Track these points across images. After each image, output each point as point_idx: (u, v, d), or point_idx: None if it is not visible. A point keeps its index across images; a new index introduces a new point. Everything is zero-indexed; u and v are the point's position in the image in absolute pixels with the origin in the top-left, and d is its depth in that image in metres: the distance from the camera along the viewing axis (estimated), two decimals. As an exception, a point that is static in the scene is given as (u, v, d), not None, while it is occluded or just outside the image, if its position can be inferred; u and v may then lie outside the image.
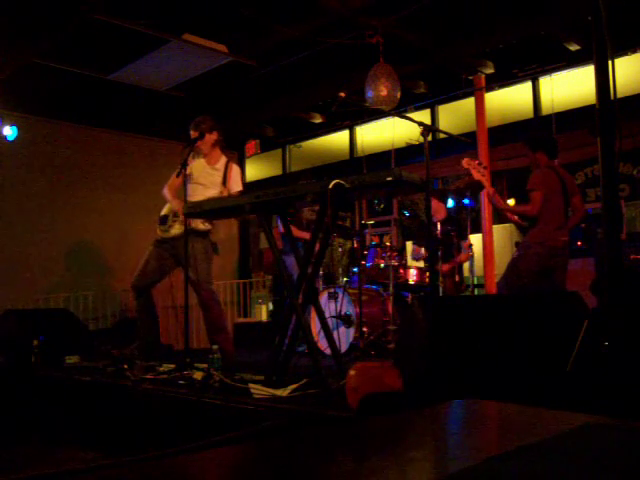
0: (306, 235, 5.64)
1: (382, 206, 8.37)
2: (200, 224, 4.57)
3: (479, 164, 4.72)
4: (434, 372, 2.27)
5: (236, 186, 4.72)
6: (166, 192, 4.81)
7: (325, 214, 3.13)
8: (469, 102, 7.77)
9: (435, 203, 6.12)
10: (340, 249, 7.61)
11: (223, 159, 4.81)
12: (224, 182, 4.67)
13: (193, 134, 4.67)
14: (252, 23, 6.31)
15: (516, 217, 4.80)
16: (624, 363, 1.94)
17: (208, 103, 8.45)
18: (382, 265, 5.85)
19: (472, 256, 6.13)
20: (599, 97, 2.04)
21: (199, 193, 4.59)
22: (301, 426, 2.47)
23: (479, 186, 4.81)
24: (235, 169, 4.79)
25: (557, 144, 4.83)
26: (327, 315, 4.34)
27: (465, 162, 4.74)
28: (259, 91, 8.38)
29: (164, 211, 4.79)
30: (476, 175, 4.67)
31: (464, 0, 6.21)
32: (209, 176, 4.68)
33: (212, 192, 4.61)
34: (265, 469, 1.03)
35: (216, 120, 4.81)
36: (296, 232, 5.63)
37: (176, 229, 4.62)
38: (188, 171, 4.59)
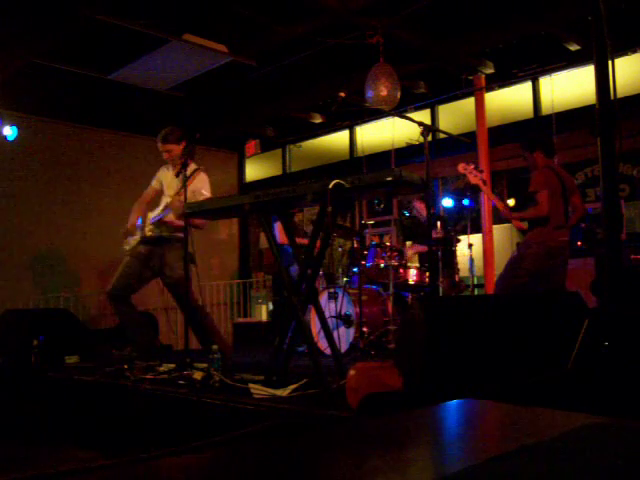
0: (303, 242, 5.62)
1: (382, 206, 8.37)
2: (175, 233, 4.58)
3: (475, 168, 4.73)
4: (434, 372, 2.27)
5: (196, 194, 4.50)
6: (135, 206, 4.86)
7: (325, 214, 3.13)
8: (469, 102, 7.77)
9: (419, 204, 6.46)
10: (340, 249, 7.61)
11: (190, 168, 4.76)
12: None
13: (162, 147, 4.71)
14: (252, 23, 6.30)
15: (517, 221, 4.80)
16: (624, 363, 1.94)
17: (208, 103, 8.45)
18: (382, 265, 5.85)
19: (471, 257, 6.14)
20: (599, 97, 2.04)
21: (161, 203, 4.70)
22: (301, 426, 2.47)
23: (478, 188, 4.82)
24: (199, 178, 4.62)
25: (553, 143, 4.83)
26: (327, 315, 4.34)
27: (461, 167, 4.74)
28: (259, 91, 8.38)
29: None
30: (473, 180, 4.68)
31: (464, 0, 6.21)
32: (174, 186, 4.63)
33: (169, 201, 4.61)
34: (265, 469, 1.03)
35: (183, 131, 4.79)
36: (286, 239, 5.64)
37: (131, 243, 4.75)
38: (158, 185, 4.80)
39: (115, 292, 4.66)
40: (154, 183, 4.92)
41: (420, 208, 6.47)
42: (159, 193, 4.87)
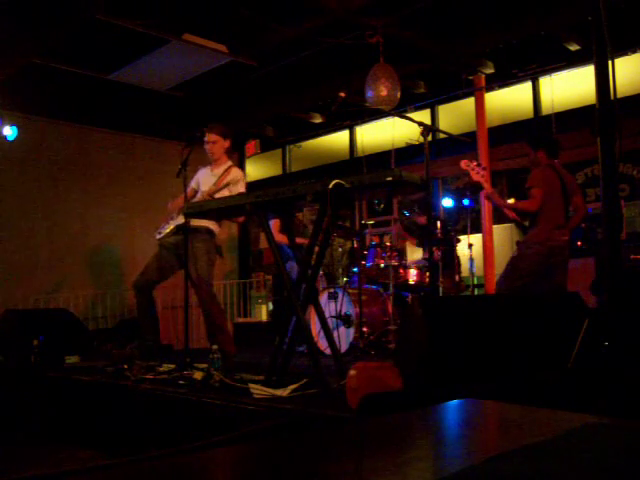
0: (302, 241, 5.64)
1: (382, 206, 8.36)
2: (203, 223, 4.58)
3: (477, 165, 4.72)
4: (434, 372, 2.27)
5: (231, 189, 4.58)
6: (176, 200, 4.89)
7: (325, 214, 3.13)
8: (469, 102, 7.77)
9: (421, 219, 6.57)
10: (340, 249, 7.61)
11: (225, 165, 4.82)
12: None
13: (208, 136, 4.77)
14: (252, 23, 6.30)
15: (514, 214, 4.79)
16: (624, 363, 1.94)
17: (208, 103, 8.45)
18: (382, 265, 5.85)
19: (471, 256, 6.14)
20: (599, 97, 2.04)
21: (196, 199, 4.71)
22: (301, 426, 2.47)
23: (479, 187, 4.81)
24: (233, 172, 4.72)
25: (559, 144, 4.82)
26: (327, 315, 4.34)
27: (463, 164, 4.73)
28: (259, 91, 8.38)
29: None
30: (475, 177, 4.67)
31: (464, 0, 6.20)
32: (208, 182, 4.69)
33: (200, 195, 4.64)
34: (265, 469, 1.03)
35: (232, 130, 4.94)
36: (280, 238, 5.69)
37: (168, 230, 4.72)
38: (196, 185, 4.81)
39: (140, 282, 4.68)
40: (192, 184, 4.91)
41: (422, 222, 6.47)
42: (196, 192, 4.87)
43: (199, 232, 4.57)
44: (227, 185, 4.54)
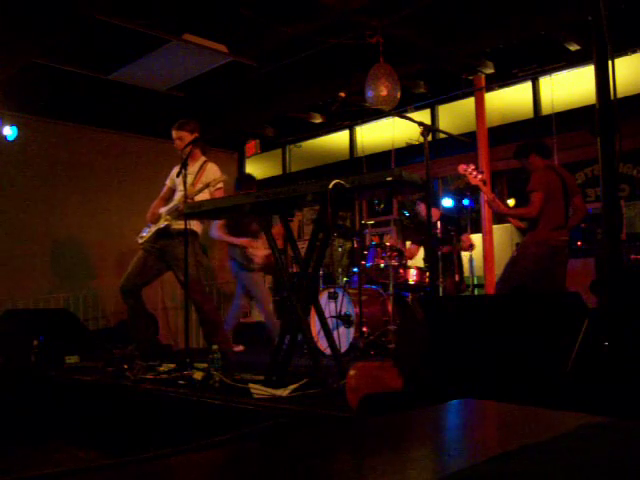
0: (240, 241, 5.66)
1: (382, 206, 8.36)
2: (182, 224, 4.55)
3: (475, 169, 4.72)
4: (434, 372, 2.27)
5: (210, 186, 4.54)
6: (154, 203, 4.89)
7: (325, 214, 3.13)
8: (469, 102, 7.77)
9: (424, 208, 6.30)
10: (340, 249, 7.61)
11: (200, 161, 4.80)
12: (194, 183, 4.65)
13: (175, 133, 4.80)
14: (252, 23, 6.30)
15: (516, 221, 4.80)
16: (624, 363, 1.94)
17: (208, 103, 8.45)
18: (382, 265, 5.85)
19: (471, 256, 6.14)
20: (599, 97, 2.04)
21: (174, 199, 4.73)
22: (301, 426, 2.47)
23: (478, 188, 4.82)
24: (208, 170, 4.71)
25: (547, 144, 4.83)
26: (327, 315, 4.33)
27: (461, 169, 4.73)
28: (259, 91, 8.38)
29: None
30: (473, 181, 4.67)
31: (464, 0, 6.20)
32: (186, 181, 4.65)
33: (179, 195, 4.62)
34: (265, 469, 1.03)
35: (200, 124, 4.87)
36: (227, 237, 5.69)
37: (149, 234, 4.74)
38: (171, 183, 4.84)
39: (126, 286, 4.68)
40: (168, 182, 4.95)
41: (424, 210, 6.41)
42: (173, 191, 4.88)
43: (183, 235, 4.56)
44: (207, 186, 4.48)
